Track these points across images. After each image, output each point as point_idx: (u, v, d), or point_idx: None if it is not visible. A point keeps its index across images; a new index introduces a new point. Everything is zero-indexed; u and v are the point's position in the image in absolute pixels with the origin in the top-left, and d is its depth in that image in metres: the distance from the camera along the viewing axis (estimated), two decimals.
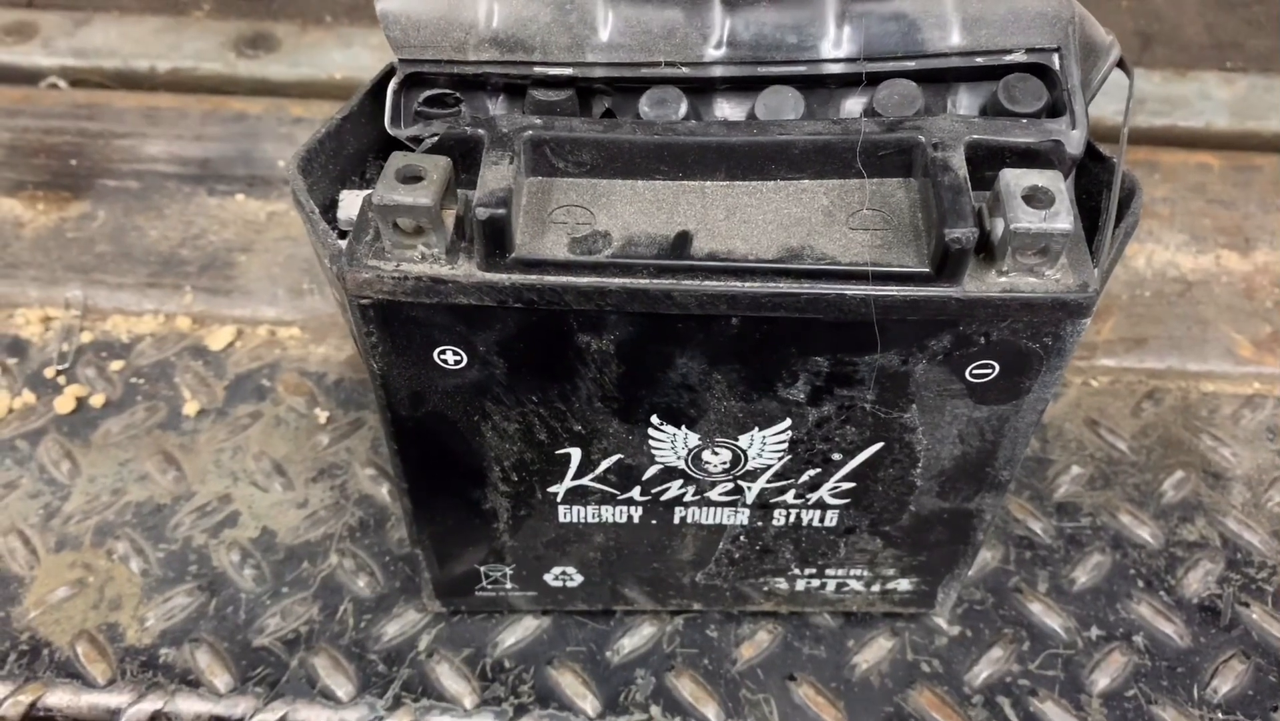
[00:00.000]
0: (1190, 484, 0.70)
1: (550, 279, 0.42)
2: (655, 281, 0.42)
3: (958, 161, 0.42)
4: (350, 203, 0.48)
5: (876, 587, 0.60)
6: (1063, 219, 0.40)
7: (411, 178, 0.41)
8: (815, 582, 0.60)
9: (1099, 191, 0.47)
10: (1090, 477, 0.70)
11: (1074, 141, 0.44)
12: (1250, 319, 0.78)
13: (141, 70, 0.95)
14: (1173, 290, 0.80)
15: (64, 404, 0.72)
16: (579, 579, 0.60)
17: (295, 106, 0.91)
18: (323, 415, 0.72)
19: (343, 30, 0.97)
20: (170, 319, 0.77)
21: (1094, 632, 0.63)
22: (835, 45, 0.45)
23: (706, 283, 0.42)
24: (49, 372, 0.73)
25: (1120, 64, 0.47)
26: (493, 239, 0.41)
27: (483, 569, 0.59)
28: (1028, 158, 0.44)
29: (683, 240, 0.43)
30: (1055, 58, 0.45)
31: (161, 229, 0.82)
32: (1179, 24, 1.00)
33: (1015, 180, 0.41)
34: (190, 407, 0.72)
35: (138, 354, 0.75)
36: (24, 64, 0.95)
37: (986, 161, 0.43)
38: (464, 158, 0.44)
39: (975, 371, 0.46)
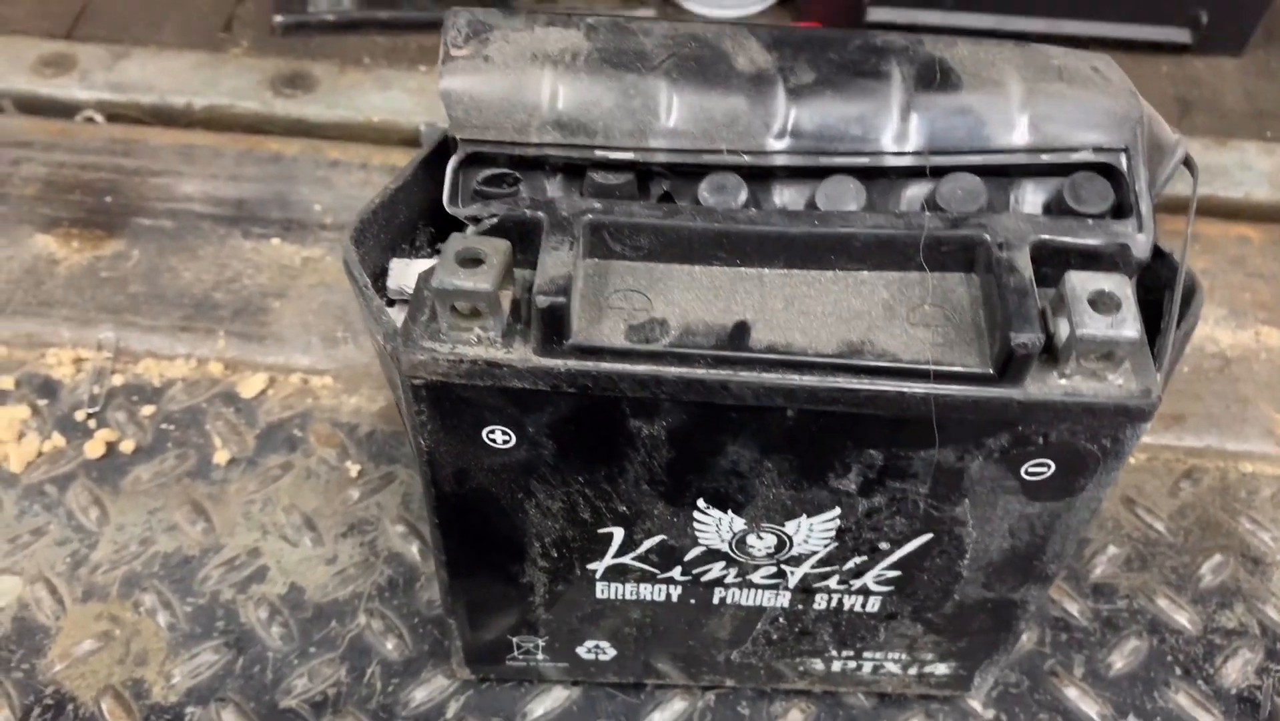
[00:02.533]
0: (1229, 568, 0.69)
1: (606, 366, 0.42)
2: (712, 372, 0.42)
3: (1023, 262, 0.42)
4: (400, 271, 0.48)
5: (914, 670, 0.59)
6: (1129, 326, 0.40)
7: (472, 261, 0.41)
8: (852, 664, 0.59)
9: (1157, 286, 0.47)
10: (1127, 558, 0.69)
11: (1140, 246, 0.43)
12: None
13: (178, 106, 0.95)
14: (1211, 366, 0.79)
15: (94, 448, 0.71)
16: (612, 652, 0.59)
17: (331, 149, 0.91)
18: (354, 468, 0.71)
19: (381, 72, 0.97)
20: (202, 364, 0.76)
21: None
22: (899, 137, 0.44)
23: (764, 375, 0.42)
24: (79, 415, 0.73)
25: (1186, 162, 0.47)
26: (551, 325, 0.41)
27: (515, 639, 0.58)
28: (1092, 259, 0.43)
29: (740, 331, 0.42)
30: (1123, 158, 0.44)
31: (195, 271, 0.82)
32: (1219, 90, 1.00)
33: (1081, 284, 0.40)
34: (221, 456, 0.71)
35: (169, 399, 0.74)
36: (61, 96, 0.95)
37: (1050, 261, 0.43)
38: (522, 239, 0.43)
39: (1031, 470, 0.45)
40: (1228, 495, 0.72)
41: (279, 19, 1.02)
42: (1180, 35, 1.01)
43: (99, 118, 0.94)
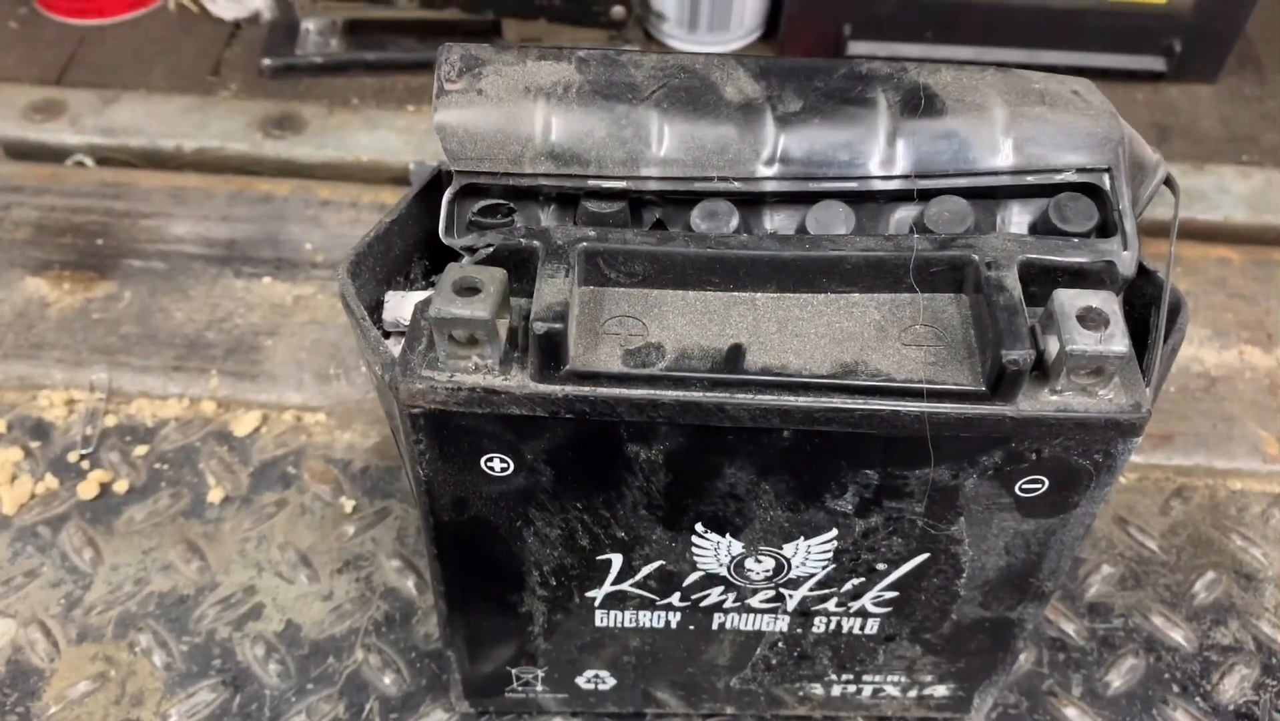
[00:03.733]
0: (1222, 585, 0.69)
1: (604, 391, 0.42)
2: (709, 395, 0.42)
3: (1012, 281, 0.42)
4: (396, 304, 0.49)
5: (913, 693, 0.60)
6: (1118, 341, 0.40)
7: (468, 290, 0.41)
8: (851, 688, 0.59)
9: (1142, 304, 0.47)
10: (1121, 577, 0.69)
11: (1126, 262, 0.44)
12: (1276, 416, 0.78)
13: (168, 149, 0.95)
14: (1197, 386, 0.80)
15: (87, 489, 0.71)
16: (611, 681, 0.59)
17: (322, 189, 0.92)
18: (349, 504, 0.71)
19: (369, 113, 0.98)
20: (195, 403, 0.76)
21: None
22: (886, 162, 0.45)
23: (760, 397, 0.42)
24: (72, 457, 0.73)
25: (1167, 182, 0.48)
26: (548, 352, 0.41)
27: (514, 670, 0.58)
28: (1079, 277, 0.44)
29: (735, 353, 0.43)
30: (1106, 178, 0.45)
31: (187, 311, 0.82)
32: (1194, 117, 1.02)
33: (1069, 301, 0.41)
34: (215, 495, 0.71)
35: (162, 438, 0.74)
36: (51, 141, 0.95)
37: (1038, 279, 0.44)
38: (517, 267, 0.44)
39: (1025, 486, 0.46)
40: (1218, 512, 0.73)
41: (267, 62, 1.03)
42: (1155, 64, 1.03)
43: (89, 161, 0.95)
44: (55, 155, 0.95)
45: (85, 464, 0.73)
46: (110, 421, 0.75)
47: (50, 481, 0.72)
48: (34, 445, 0.73)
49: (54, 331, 0.80)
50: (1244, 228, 0.91)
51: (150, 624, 0.65)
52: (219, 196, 0.91)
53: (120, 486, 0.72)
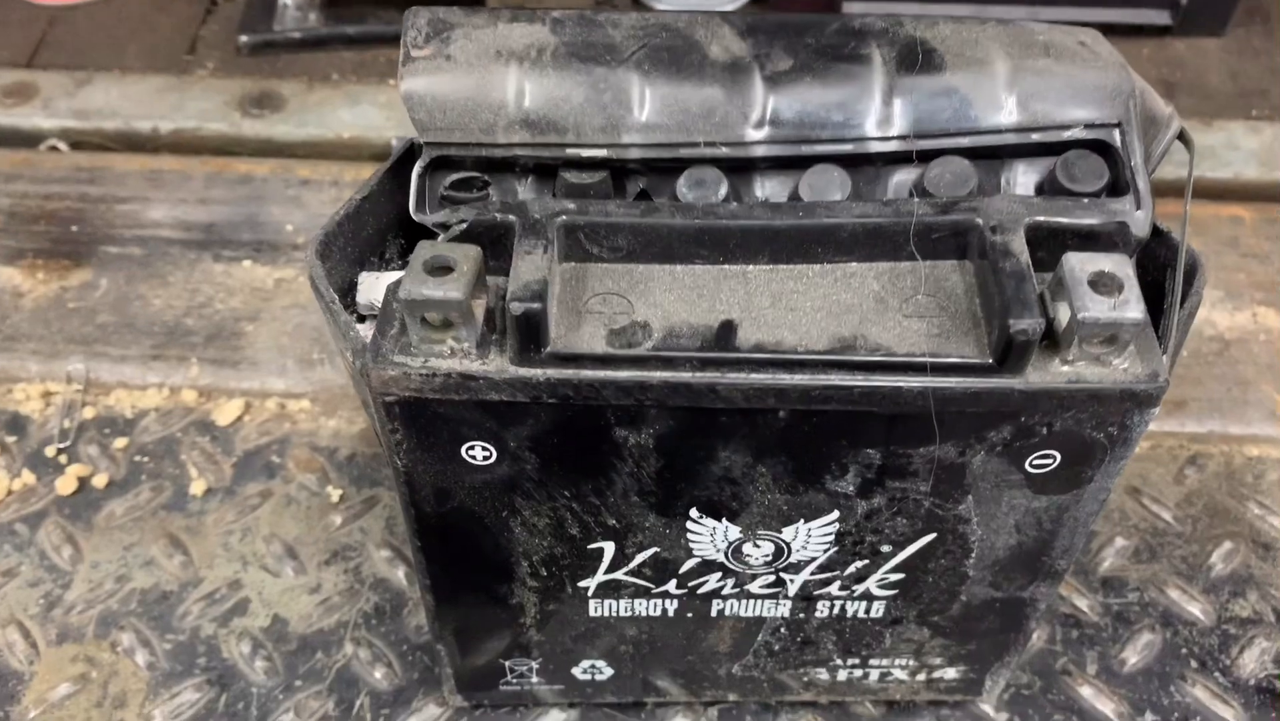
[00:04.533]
0: (1239, 555, 0.67)
1: (588, 374, 0.40)
2: (699, 375, 0.40)
3: (1018, 245, 0.40)
4: (369, 285, 0.46)
5: (922, 676, 0.57)
6: (1133, 307, 0.38)
7: (441, 269, 0.39)
8: (858, 673, 0.57)
9: (1155, 267, 0.45)
10: (1135, 550, 0.67)
11: (1139, 223, 0.41)
12: None
13: (143, 131, 0.93)
14: (1210, 350, 0.77)
15: (65, 484, 0.69)
16: (609, 671, 0.57)
17: (302, 168, 0.89)
18: (335, 493, 0.69)
19: (350, 88, 0.95)
20: (175, 392, 0.74)
21: (1149, 718, 0.60)
22: (883, 122, 0.43)
23: (753, 375, 0.40)
24: (50, 451, 0.71)
25: (1181, 137, 0.45)
26: (527, 333, 0.39)
27: (507, 663, 0.56)
28: (1090, 240, 0.41)
29: (727, 330, 0.40)
30: (1116, 133, 0.43)
31: (166, 297, 0.80)
32: (1202, 72, 0.98)
33: (1081, 265, 0.39)
34: (197, 487, 0.69)
35: (142, 430, 0.72)
36: (24, 126, 0.93)
37: (1046, 243, 0.41)
38: (494, 244, 0.41)
39: (1035, 462, 0.43)
40: (1234, 480, 0.71)
41: (244, 39, 1.00)
42: (1160, 17, 1.00)
43: (63, 146, 0.92)
44: (27, 140, 0.92)
45: (63, 458, 0.70)
46: (88, 413, 0.73)
47: (27, 477, 0.69)
48: (9, 440, 0.71)
49: (28, 322, 0.78)
50: (1255, 185, 0.88)
51: (132, 622, 0.63)
52: (197, 178, 0.88)
53: (99, 480, 0.69)
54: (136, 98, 0.94)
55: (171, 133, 0.92)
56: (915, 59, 0.43)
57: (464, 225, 0.41)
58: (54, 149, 0.92)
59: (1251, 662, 0.62)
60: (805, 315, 0.41)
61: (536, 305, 0.38)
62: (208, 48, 1.01)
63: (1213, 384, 0.75)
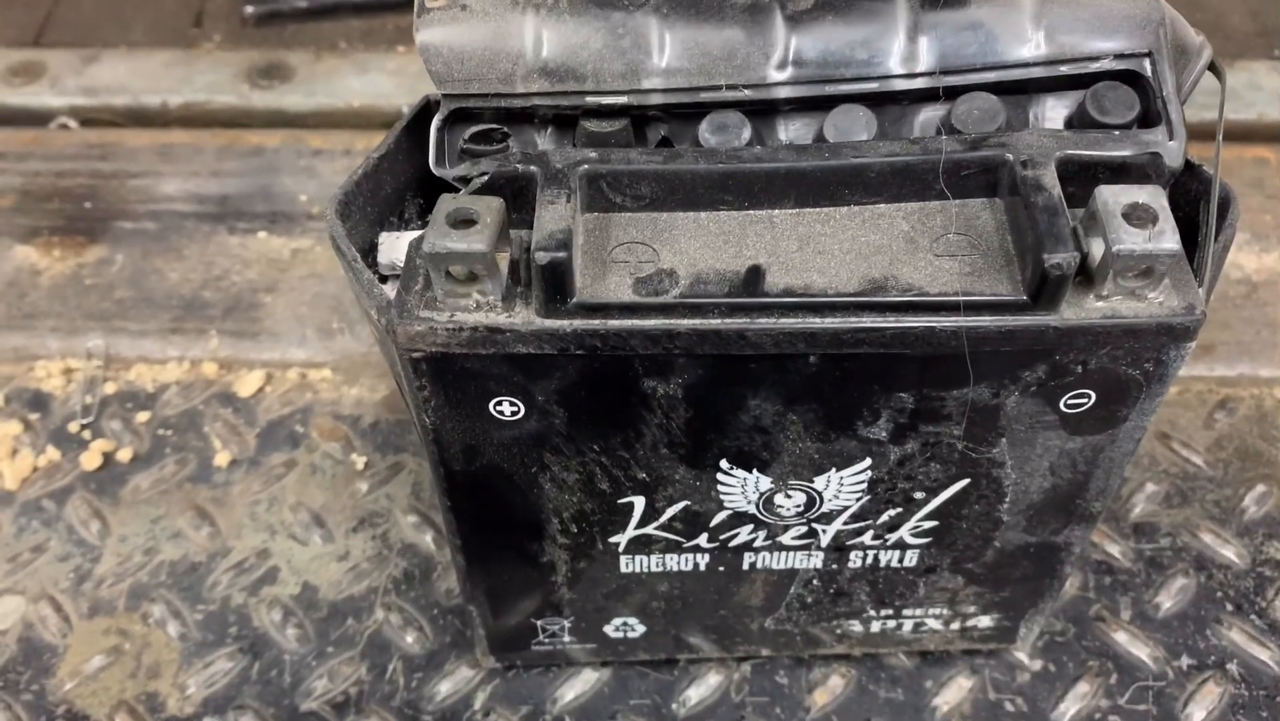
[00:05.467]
0: (1273, 498, 0.66)
1: (615, 323, 0.39)
2: (728, 321, 0.39)
3: (1050, 180, 0.39)
4: (390, 245, 0.46)
5: (956, 625, 0.57)
6: (1168, 238, 0.37)
7: (464, 221, 0.38)
8: (891, 624, 0.57)
9: (1187, 202, 0.44)
10: (1166, 495, 0.67)
11: (1173, 153, 0.41)
12: None
13: (153, 106, 0.92)
14: (1238, 292, 0.76)
15: (90, 460, 0.69)
16: (641, 629, 0.57)
17: (314, 138, 0.88)
18: (360, 460, 0.69)
19: (358, 57, 0.94)
20: (196, 365, 0.74)
21: (1184, 662, 0.60)
22: (907, 59, 0.42)
23: (783, 320, 0.39)
24: (73, 427, 0.71)
25: (1211, 67, 0.44)
26: (553, 284, 0.38)
27: (539, 622, 0.56)
28: (1122, 172, 0.41)
29: (755, 275, 0.40)
30: (1146, 63, 0.42)
31: (182, 271, 0.79)
32: (1222, 12, 0.97)
33: (1114, 197, 0.38)
34: (221, 458, 0.69)
35: (164, 404, 0.72)
36: (33, 105, 0.92)
37: (1077, 177, 0.40)
38: (516, 196, 0.41)
39: (1070, 402, 0.43)
40: (1265, 423, 0.70)
41: (250, 9, 0.99)
42: None
43: (73, 123, 0.92)
44: (37, 119, 0.92)
45: (87, 434, 0.70)
46: (110, 389, 0.73)
47: (52, 454, 0.69)
48: (33, 417, 0.71)
49: (46, 300, 0.78)
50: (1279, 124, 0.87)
51: (163, 594, 0.63)
52: (208, 151, 0.88)
53: (124, 455, 0.69)
54: (144, 73, 0.94)
55: (181, 106, 0.92)
56: None
57: (485, 177, 0.41)
58: (64, 127, 0.92)
59: None
60: (834, 258, 0.40)
61: (562, 254, 0.37)
62: (213, 20, 1.00)
63: (1241, 327, 0.74)
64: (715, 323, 0.39)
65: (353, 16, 0.99)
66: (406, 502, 0.67)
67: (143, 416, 0.71)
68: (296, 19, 0.99)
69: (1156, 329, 0.39)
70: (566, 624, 0.56)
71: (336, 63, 0.94)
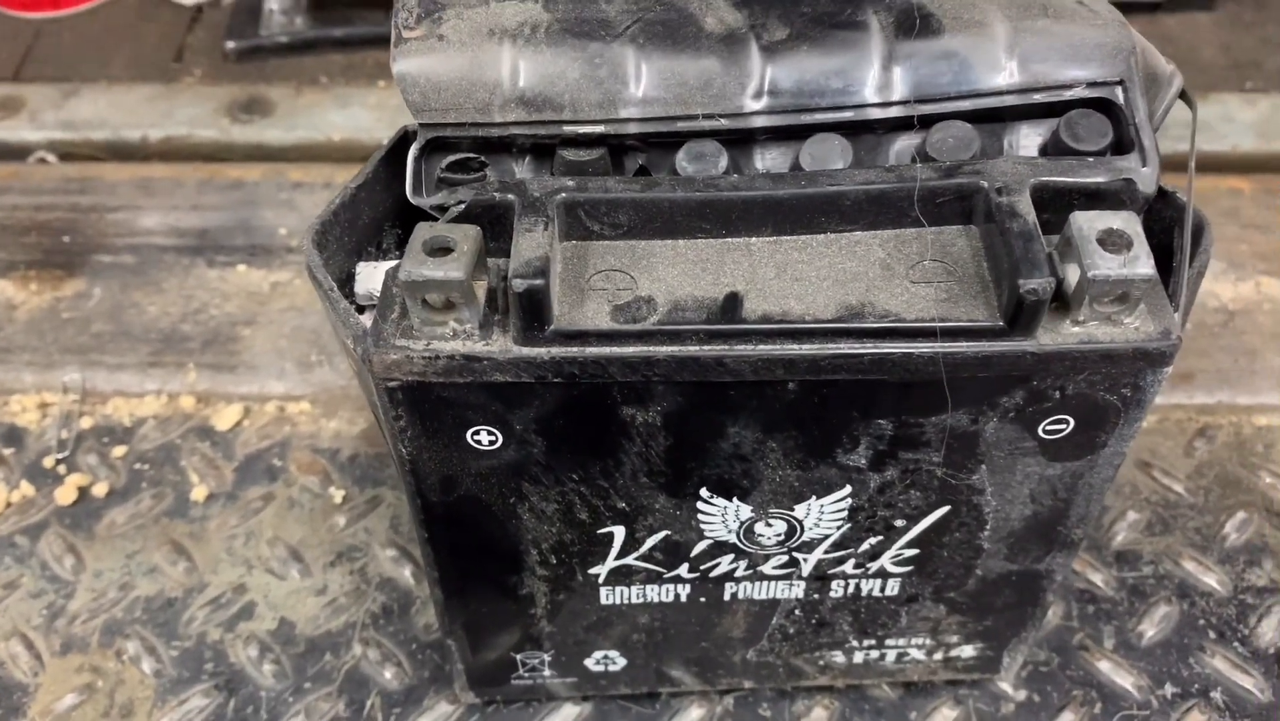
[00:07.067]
0: (1253, 525, 0.66)
1: (593, 350, 0.39)
2: (706, 348, 0.39)
3: (1025, 206, 0.39)
4: (368, 275, 0.46)
5: (939, 655, 0.57)
6: (1143, 263, 0.37)
7: (440, 249, 0.38)
8: (874, 654, 0.56)
9: (1160, 229, 0.44)
10: (1148, 523, 0.67)
11: (1146, 179, 0.41)
12: None
13: (133, 140, 0.92)
14: (1215, 321, 0.77)
15: (65, 494, 0.68)
16: (622, 662, 0.56)
17: (294, 171, 0.88)
18: (338, 494, 0.68)
19: (339, 91, 0.95)
20: (174, 399, 0.73)
21: (1169, 690, 0.59)
22: (882, 88, 0.42)
23: (761, 346, 0.39)
24: (48, 462, 0.70)
25: (1182, 95, 0.44)
26: (531, 311, 0.38)
27: (519, 656, 0.55)
28: (1097, 199, 0.41)
29: (733, 302, 0.40)
30: (1119, 91, 0.42)
31: (161, 304, 0.79)
32: (1194, 46, 0.98)
33: (1088, 223, 0.38)
34: (198, 493, 0.68)
35: (141, 438, 0.71)
36: (11, 139, 0.92)
37: (1051, 204, 0.41)
38: (493, 225, 0.41)
39: (1049, 428, 0.43)
40: (1244, 450, 0.70)
41: (231, 44, 0.99)
42: None
43: (51, 158, 0.92)
44: (15, 153, 0.91)
45: (62, 468, 0.70)
46: (86, 423, 0.72)
47: (26, 489, 0.68)
48: (7, 452, 0.70)
49: (22, 333, 0.77)
50: (1253, 156, 0.88)
51: (137, 630, 0.62)
52: (188, 185, 0.87)
53: (99, 489, 0.69)
54: (125, 107, 0.94)
55: (161, 140, 0.92)
56: (913, 23, 0.43)
57: (463, 205, 0.41)
58: (43, 161, 0.91)
59: (1270, 631, 0.62)
60: (811, 285, 0.40)
61: (539, 281, 0.37)
62: (194, 55, 1.01)
63: (1219, 355, 0.75)
64: (694, 349, 0.39)
65: (334, 51, 1.00)
66: (385, 536, 0.66)
67: (119, 450, 0.71)
68: (277, 54, 1.00)
69: (1133, 354, 0.39)
70: (547, 657, 0.56)
71: (317, 97, 0.94)
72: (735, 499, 0.46)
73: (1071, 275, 0.39)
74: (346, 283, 0.45)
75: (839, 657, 0.57)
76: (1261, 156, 0.88)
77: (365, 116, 0.92)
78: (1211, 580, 0.64)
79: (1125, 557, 0.65)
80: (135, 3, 1.06)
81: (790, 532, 0.48)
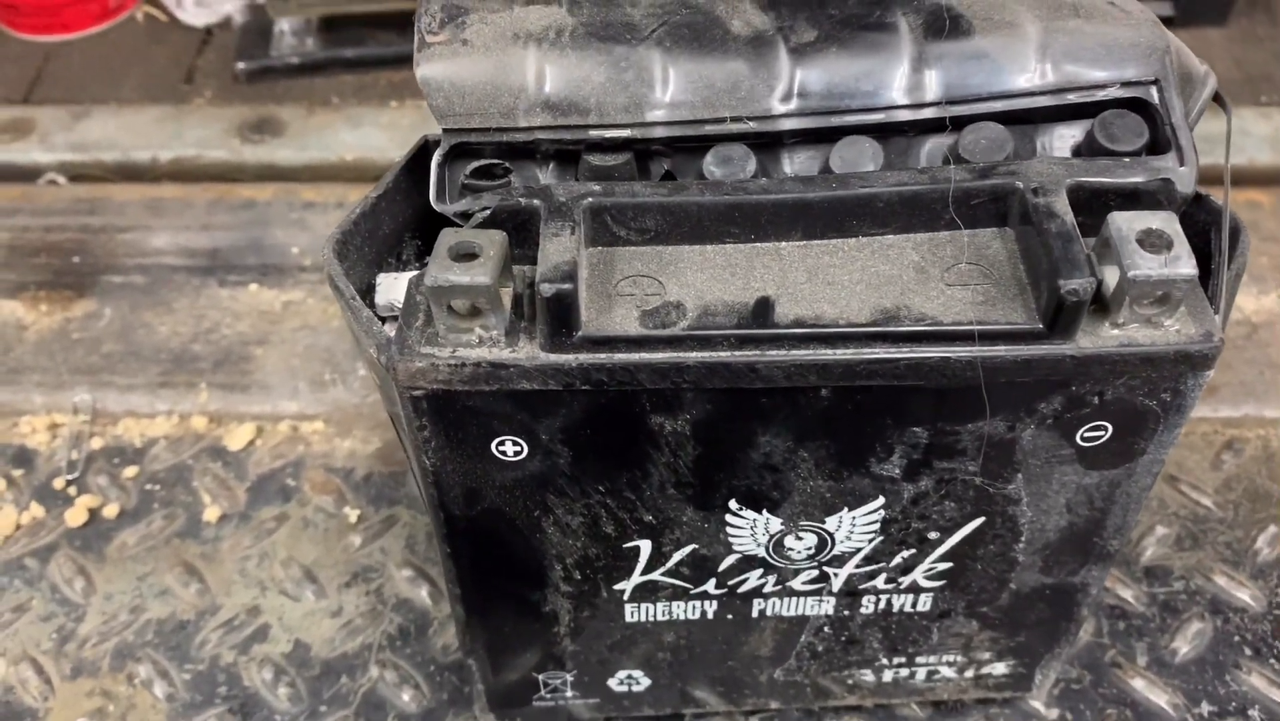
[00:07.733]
0: None
1: (622, 357, 0.38)
2: (737, 354, 0.38)
3: (1062, 207, 0.38)
4: (388, 286, 0.45)
5: (970, 673, 0.55)
6: (1184, 263, 0.37)
7: (466, 255, 0.37)
8: (904, 672, 0.55)
9: (1195, 233, 0.43)
10: (1177, 537, 0.65)
11: (1184, 179, 0.40)
12: None
13: (143, 161, 0.92)
14: (1239, 334, 0.76)
15: (75, 516, 0.67)
16: (646, 682, 0.55)
17: (306, 191, 0.88)
18: (353, 514, 0.67)
19: (351, 110, 0.94)
20: (185, 419, 0.72)
21: (1205, 709, 0.58)
22: (913, 90, 0.41)
23: (794, 352, 0.38)
24: (58, 483, 0.69)
25: (1216, 97, 0.44)
26: (558, 317, 0.37)
27: (541, 676, 0.54)
28: (1134, 199, 0.40)
29: (764, 307, 0.39)
30: (1154, 91, 0.41)
31: (171, 324, 0.78)
32: (1207, 59, 0.97)
33: (1127, 224, 0.37)
34: (211, 513, 0.67)
35: (152, 458, 0.70)
36: (21, 161, 0.91)
37: (1088, 205, 0.40)
38: (518, 231, 0.40)
39: (1087, 434, 0.42)
40: (1273, 463, 0.69)
41: (241, 65, 0.99)
42: (1163, 9, 1.00)
43: (61, 179, 0.91)
44: (26, 175, 0.91)
45: (72, 490, 0.69)
46: (96, 444, 0.71)
47: (36, 510, 0.67)
48: (17, 474, 0.69)
49: (32, 354, 0.76)
50: (1270, 169, 0.87)
51: (149, 653, 0.61)
52: (198, 205, 0.87)
53: (110, 511, 0.68)
54: (135, 128, 0.93)
55: (171, 161, 0.91)
56: (943, 25, 0.42)
57: (488, 211, 0.40)
58: (53, 183, 0.91)
59: None
60: (844, 289, 0.39)
61: (567, 286, 0.36)
62: (205, 77, 1.00)
63: (1244, 367, 0.74)
64: (725, 355, 0.38)
65: (345, 72, 1.00)
66: (401, 556, 0.65)
67: (130, 471, 0.70)
68: (288, 75, 0.99)
69: (1174, 357, 0.39)
70: (569, 677, 0.54)
71: (329, 117, 0.94)
72: (765, 511, 0.45)
73: (1111, 277, 0.38)
74: (366, 294, 0.44)
75: (868, 676, 0.55)
76: (1278, 169, 0.87)
77: (378, 136, 0.92)
78: (1245, 595, 0.63)
79: (1155, 573, 0.64)
80: (145, 25, 1.06)
81: (821, 546, 0.47)
